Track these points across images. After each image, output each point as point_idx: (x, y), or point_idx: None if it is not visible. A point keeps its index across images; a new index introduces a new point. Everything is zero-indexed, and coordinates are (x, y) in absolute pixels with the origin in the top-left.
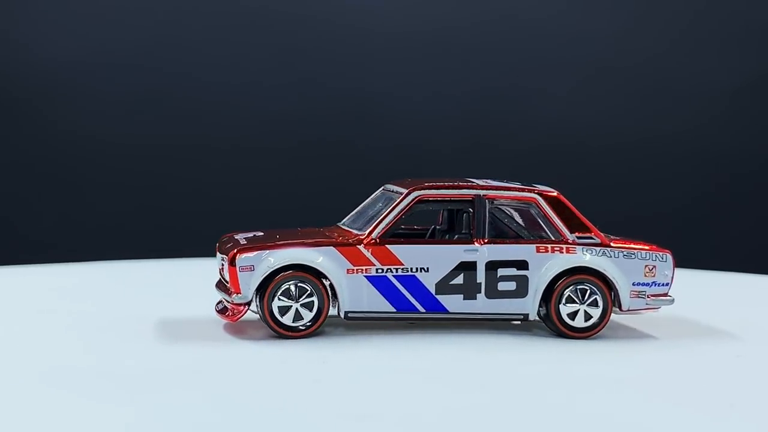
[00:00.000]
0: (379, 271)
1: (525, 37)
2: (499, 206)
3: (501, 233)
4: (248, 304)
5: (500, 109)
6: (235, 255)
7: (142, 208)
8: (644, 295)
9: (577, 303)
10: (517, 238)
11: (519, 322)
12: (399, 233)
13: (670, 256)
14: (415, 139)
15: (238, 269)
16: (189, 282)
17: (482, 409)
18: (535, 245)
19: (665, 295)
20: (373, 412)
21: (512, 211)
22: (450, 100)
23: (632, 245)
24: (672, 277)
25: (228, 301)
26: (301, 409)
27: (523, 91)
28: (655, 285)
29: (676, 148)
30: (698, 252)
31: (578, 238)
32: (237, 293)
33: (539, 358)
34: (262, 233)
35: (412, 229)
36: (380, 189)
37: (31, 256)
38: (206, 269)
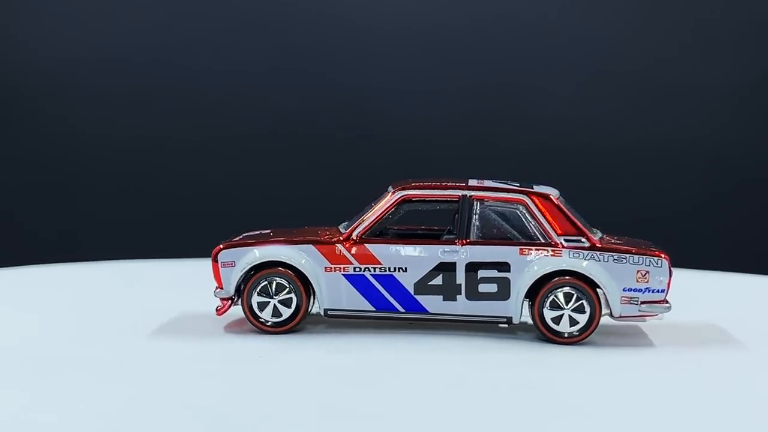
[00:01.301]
0: (357, 270)
1: (530, 36)
2: (489, 207)
3: (489, 234)
4: (232, 298)
5: (505, 109)
6: (217, 251)
7: (144, 208)
8: (636, 301)
9: (560, 308)
10: (505, 240)
11: (506, 325)
12: (418, 234)
13: (665, 262)
14: (421, 139)
15: (219, 265)
16: (195, 281)
17: (367, 404)
18: (518, 247)
19: (661, 302)
20: (262, 409)
21: (503, 212)
22: (455, 101)
23: (626, 249)
24: (668, 284)
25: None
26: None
27: (528, 90)
28: (649, 291)
29: (679, 148)
30: (703, 252)
31: (566, 240)
32: (219, 288)
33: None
34: (268, 231)
35: (430, 229)
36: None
37: (32, 257)
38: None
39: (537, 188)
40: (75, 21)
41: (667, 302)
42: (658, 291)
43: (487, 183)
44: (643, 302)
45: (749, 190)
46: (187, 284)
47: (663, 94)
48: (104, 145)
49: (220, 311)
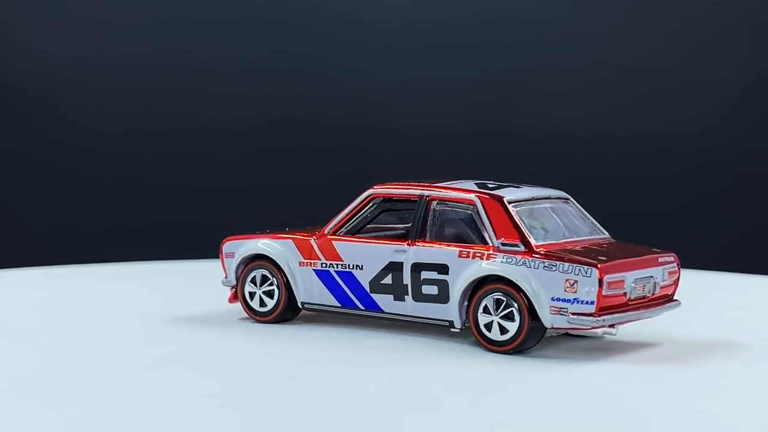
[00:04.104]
0: (324, 265)
1: (531, 35)
2: (447, 208)
3: (444, 236)
4: (235, 287)
5: (505, 108)
6: (223, 243)
7: (145, 208)
8: (565, 312)
9: (491, 314)
10: (452, 242)
11: (457, 330)
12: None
13: (595, 272)
14: (423, 138)
15: (224, 255)
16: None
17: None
18: (458, 249)
19: (592, 314)
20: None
21: (458, 213)
22: (455, 99)
23: (558, 256)
24: (597, 295)
25: None
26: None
27: (528, 89)
28: (577, 302)
29: (680, 147)
30: (704, 252)
31: (503, 245)
32: (226, 278)
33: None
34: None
35: None
36: None
37: (31, 258)
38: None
39: (527, 189)
40: (73, 20)
41: (599, 316)
42: (587, 302)
43: (458, 184)
44: (572, 313)
45: (747, 188)
46: (194, 281)
47: (667, 94)
48: (104, 143)
49: (230, 299)
